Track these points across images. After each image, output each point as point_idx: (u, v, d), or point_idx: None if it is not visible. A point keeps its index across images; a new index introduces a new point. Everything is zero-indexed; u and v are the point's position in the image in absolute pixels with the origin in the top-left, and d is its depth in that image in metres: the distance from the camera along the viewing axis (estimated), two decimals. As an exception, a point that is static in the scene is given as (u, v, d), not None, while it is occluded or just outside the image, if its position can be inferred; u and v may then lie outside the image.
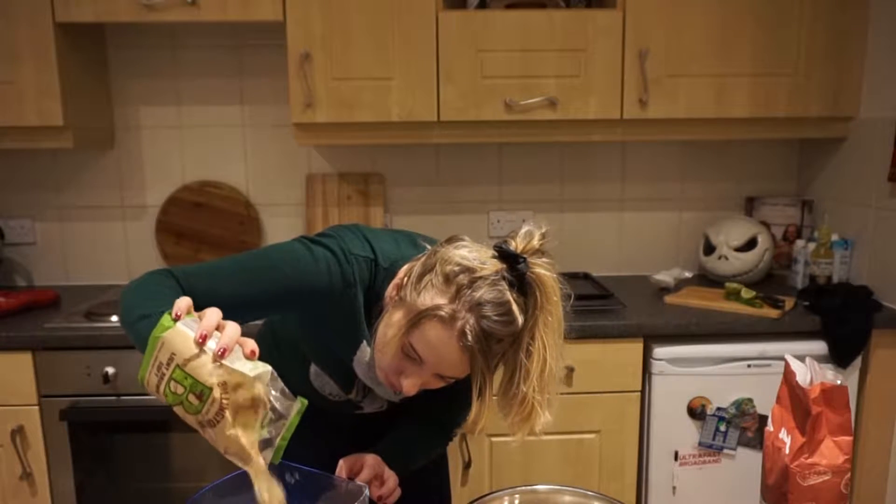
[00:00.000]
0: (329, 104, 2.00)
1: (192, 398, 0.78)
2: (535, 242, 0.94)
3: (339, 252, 1.02)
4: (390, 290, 1.00)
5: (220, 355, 0.75)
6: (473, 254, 0.92)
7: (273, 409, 0.79)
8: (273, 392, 0.79)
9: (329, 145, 2.36)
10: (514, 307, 0.90)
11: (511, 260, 0.91)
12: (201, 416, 0.79)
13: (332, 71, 1.99)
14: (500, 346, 0.91)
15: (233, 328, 0.80)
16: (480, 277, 0.90)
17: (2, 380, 1.84)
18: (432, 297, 0.91)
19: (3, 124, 1.98)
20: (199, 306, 0.85)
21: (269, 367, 0.79)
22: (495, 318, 0.89)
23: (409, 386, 0.95)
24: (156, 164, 2.38)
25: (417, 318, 0.91)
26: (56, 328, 1.85)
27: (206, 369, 0.76)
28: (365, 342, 1.09)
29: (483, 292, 0.89)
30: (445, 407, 1.17)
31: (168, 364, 0.78)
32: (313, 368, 1.17)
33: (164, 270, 1.00)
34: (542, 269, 0.92)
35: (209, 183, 2.38)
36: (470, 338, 0.89)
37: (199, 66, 2.33)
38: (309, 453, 1.02)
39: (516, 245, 0.93)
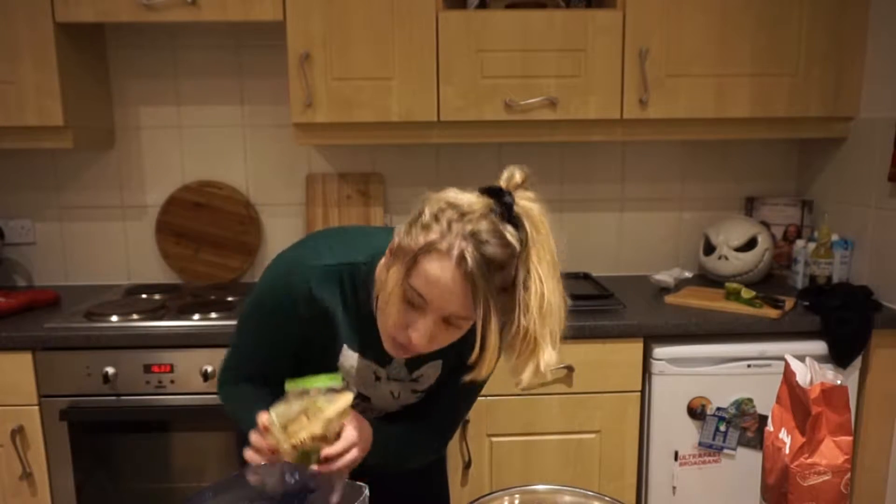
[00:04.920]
0: (329, 104, 2.00)
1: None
2: (518, 178, 0.95)
3: (286, 270, 1.08)
4: (380, 266, 1.02)
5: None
6: (459, 195, 0.94)
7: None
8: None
9: (329, 145, 2.37)
10: (508, 235, 0.91)
11: (497, 194, 0.93)
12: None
13: (332, 71, 1.99)
14: (499, 275, 0.90)
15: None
16: (469, 212, 0.91)
17: (2, 380, 1.84)
18: (425, 236, 0.92)
19: (3, 124, 1.98)
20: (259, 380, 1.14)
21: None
22: (492, 242, 0.90)
23: (418, 338, 0.95)
24: (156, 164, 2.38)
25: (414, 258, 0.92)
26: (56, 328, 1.85)
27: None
28: (346, 346, 1.11)
29: (475, 224, 0.90)
30: (444, 407, 1.18)
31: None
32: None
33: (224, 379, 1.19)
34: (529, 202, 0.94)
35: (209, 183, 2.38)
36: (470, 263, 0.89)
37: (199, 66, 2.33)
38: None
39: (500, 184, 0.95)
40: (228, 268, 2.40)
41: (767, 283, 2.29)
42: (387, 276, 0.97)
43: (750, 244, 2.26)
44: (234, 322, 1.89)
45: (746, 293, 2.00)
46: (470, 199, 0.93)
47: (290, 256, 1.10)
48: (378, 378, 1.15)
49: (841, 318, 1.89)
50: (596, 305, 2.00)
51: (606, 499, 1.02)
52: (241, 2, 1.95)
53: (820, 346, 1.90)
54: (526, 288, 0.92)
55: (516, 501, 0.97)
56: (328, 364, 1.12)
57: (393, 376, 1.15)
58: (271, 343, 1.13)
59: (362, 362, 1.12)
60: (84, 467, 1.89)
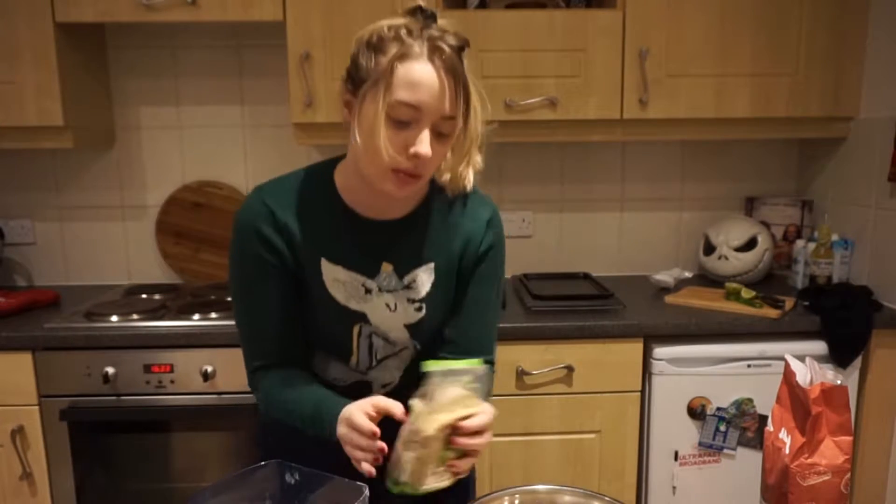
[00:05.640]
0: (329, 104, 2.00)
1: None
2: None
3: (239, 211, 1.08)
4: (344, 114, 1.03)
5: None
6: (388, 20, 0.98)
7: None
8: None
9: (329, 145, 2.36)
10: (447, 27, 0.98)
11: (419, 11, 0.98)
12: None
13: (332, 71, 1.99)
14: (462, 67, 0.97)
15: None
16: (404, 24, 0.96)
17: (2, 380, 1.84)
18: (386, 53, 0.95)
19: (3, 124, 1.98)
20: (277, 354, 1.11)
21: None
22: (450, 33, 0.96)
23: (424, 148, 0.96)
24: (156, 164, 2.38)
25: (390, 70, 0.94)
26: (56, 328, 1.86)
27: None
28: (324, 259, 1.07)
29: (424, 28, 0.96)
30: (473, 326, 1.16)
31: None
32: (316, 356, 1.15)
33: (254, 382, 1.14)
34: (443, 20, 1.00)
35: (209, 183, 2.38)
36: (447, 51, 0.95)
37: (199, 66, 2.33)
38: (331, 459, 1.00)
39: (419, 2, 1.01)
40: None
41: (767, 283, 2.29)
42: (362, 116, 0.97)
43: (750, 244, 2.26)
44: (233, 322, 1.90)
45: (746, 293, 2.00)
46: (400, 18, 0.98)
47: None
48: (368, 290, 1.10)
49: (841, 318, 1.89)
50: (596, 305, 2.00)
51: (606, 499, 1.02)
52: (241, 2, 1.95)
53: (820, 346, 1.90)
54: (469, 92, 0.99)
55: (516, 501, 0.97)
56: (318, 293, 1.08)
57: (385, 287, 1.10)
58: (264, 300, 1.08)
59: (348, 275, 1.08)
60: (84, 467, 1.90)
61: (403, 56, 0.94)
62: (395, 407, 0.97)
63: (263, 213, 1.06)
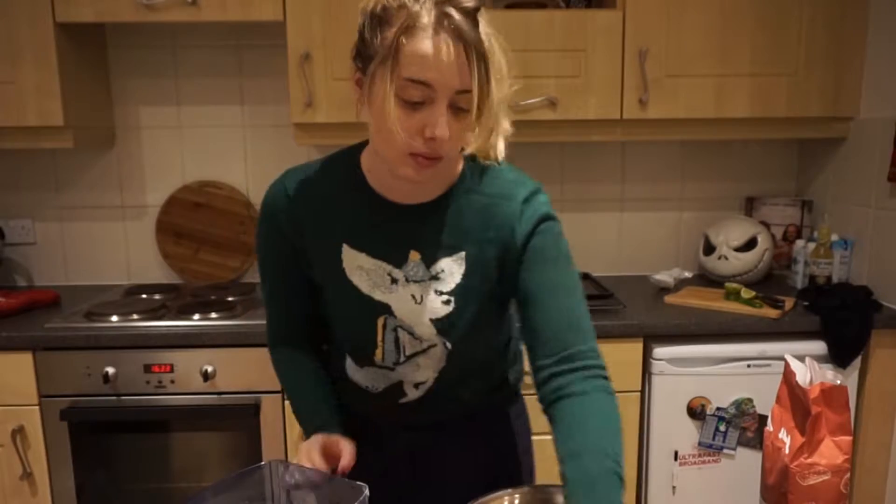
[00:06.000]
0: (329, 104, 2.00)
1: None
2: None
3: (265, 195, 1.07)
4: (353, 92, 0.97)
5: None
6: None
7: None
8: None
9: (329, 145, 2.36)
10: None
11: None
12: None
13: (331, 71, 1.99)
14: (476, 33, 0.87)
15: None
16: None
17: (2, 380, 1.84)
18: (391, 26, 0.86)
19: (3, 124, 1.98)
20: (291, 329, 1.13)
21: None
22: None
23: (441, 129, 0.88)
24: (156, 164, 2.38)
25: (394, 52, 0.86)
26: (56, 328, 1.86)
27: None
28: (346, 246, 1.02)
29: None
30: (564, 322, 0.98)
31: None
32: (346, 361, 1.11)
33: (270, 343, 1.16)
34: None
35: (209, 183, 2.38)
36: (456, 17, 0.85)
37: (199, 66, 2.33)
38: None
39: None
40: (228, 268, 2.40)
41: (767, 283, 2.29)
42: (372, 95, 0.90)
43: (750, 244, 2.26)
44: (233, 322, 1.90)
45: (746, 293, 2.00)
46: None
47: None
48: (395, 280, 1.01)
49: (841, 318, 1.89)
50: (596, 305, 2.00)
51: (606, 499, 1.02)
52: (241, 2, 1.95)
53: (820, 346, 1.90)
54: (492, 54, 0.91)
55: (516, 501, 0.97)
56: (336, 281, 1.03)
57: (411, 277, 1.01)
58: (276, 281, 1.10)
59: (373, 262, 1.01)
60: (84, 467, 1.90)
61: (409, 28, 0.85)
62: (346, 457, 1.00)
63: (282, 199, 1.04)
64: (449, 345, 1.05)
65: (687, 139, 2.41)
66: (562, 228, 1.03)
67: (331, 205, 1.03)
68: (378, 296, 1.02)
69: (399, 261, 1.01)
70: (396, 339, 1.05)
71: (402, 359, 1.06)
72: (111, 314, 1.92)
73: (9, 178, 2.36)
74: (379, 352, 1.06)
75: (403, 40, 0.85)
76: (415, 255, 1.01)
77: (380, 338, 1.05)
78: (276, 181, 1.07)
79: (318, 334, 1.16)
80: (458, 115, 0.90)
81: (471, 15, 0.87)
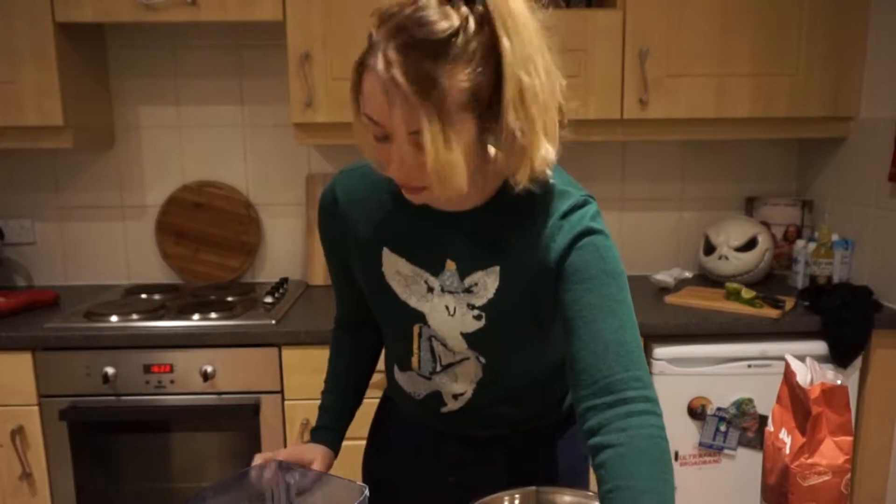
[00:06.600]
0: (329, 104, 2.00)
1: None
2: None
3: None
4: None
5: None
6: None
7: None
8: None
9: (329, 145, 2.36)
10: (435, 9, 0.76)
11: None
12: None
13: (331, 71, 1.99)
14: (430, 63, 0.75)
15: None
16: (396, 4, 0.77)
17: (2, 380, 1.84)
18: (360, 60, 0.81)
19: (3, 124, 1.98)
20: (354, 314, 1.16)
21: None
22: (424, 21, 0.75)
23: (394, 169, 0.82)
24: (156, 164, 2.38)
25: (356, 83, 0.81)
26: (56, 328, 1.85)
27: None
28: (386, 249, 0.99)
29: (398, 16, 0.76)
30: (607, 348, 0.86)
31: None
32: (395, 367, 1.12)
33: (335, 323, 1.21)
34: None
35: (209, 183, 2.38)
36: (392, 57, 0.75)
37: (199, 66, 2.33)
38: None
39: None
40: (228, 268, 2.40)
41: (768, 283, 2.29)
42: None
43: (750, 244, 2.26)
44: (233, 322, 1.90)
45: (747, 293, 2.00)
46: None
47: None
48: (431, 289, 0.98)
49: (841, 318, 1.89)
50: (596, 305, 2.00)
51: (606, 499, 1.02)
52: (241, 2, 1.95)
53: (820, 346, 1.90)
54: (497, 72, 0.78)
55: (516, 501, 0.96)
56: (376, 284, 1.02)
57: (447, 287, 0.97)
58: (334, 272, 1.13)
59: (411, 268, 0.98)
60: (84, 467, 1.89)
61: (364, 63, 0.80)
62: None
63: (329, 200, 1.04)
64: (483, 359, 1.02)
65: (687, 139, 2.41)
66: (609, 242, 0.92)
67: (375, 208, 1.01)
68: (413, 302, 1.00)
69: (436, 269, 0.97)
70: (431, 349, 1.03)
71: (439, 368, 1.04)
72: (111, 314, 1.91)
73: (8, 178, 2.36)
74: (415, 359, 1.05)
75: (363, 74, 0.80)
76: (451, 265, 0.97)
77: (415, 345, 1.04)
78: (328, 184, 1.06)
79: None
80: (416, 146, 0.80)
81: (428, 48, 0.75)
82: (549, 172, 0.92)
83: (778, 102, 2.07)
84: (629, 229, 2.49)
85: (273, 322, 1.88)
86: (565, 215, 0.92)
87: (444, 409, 1.08)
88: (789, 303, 1.99)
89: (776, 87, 2.06)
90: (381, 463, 1.20)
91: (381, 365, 1.20)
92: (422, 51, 0.75)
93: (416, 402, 1.10)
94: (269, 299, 2.03)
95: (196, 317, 1.91)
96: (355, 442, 1.24)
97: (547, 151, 0.86)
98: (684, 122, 2.09)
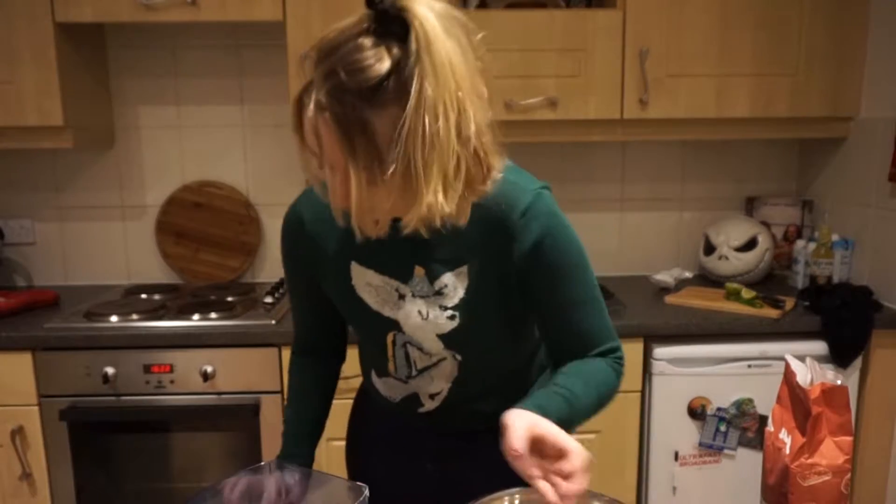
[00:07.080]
0: (329, 104, 2.00)
1: None
2: None
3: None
4: None
5: None
6: (336, 26, 0.84)
7: None
8: None
9: (329, 145, 2.36)
10: (368, 52, 0.79)
11: (373, 4, 0.81)
12: None
13: (332, 71, 1.98)
14: (360, 107, 0.77)
15: None
16: (340, 30, 0.82)
17: (2, 380, 1.84)
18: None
19: (3, 124, 1.98)
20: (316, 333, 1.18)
21: None
22: (343, 66, 0.79)
23: (332, 199, 0.85)
24: (156, 164, 2.38)
25: (296, 112, 0.86)
26: (56, 328, 1.85)
27: None
28: (354, 262, 1.02)
29: (332, 57, 0.81)
30: (574, 323, 1.01)
31: None
32: (372, 373, 1.14)
33: (292, 350, 1.22)
34: (420, 4, 0.80)
35: (209, 183, 2.38)
36: (322, 101, 0.79)
37: (199, 66, 2.33)
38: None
39: None
40: (228, 268, 2.40)
41: (768, 283, 2.29)
42: None
43: (750, 244, 2.26)
44: (233, 322, 1.90)
45: (747, 293, 2.00)
46: (343, 24, 0.84)
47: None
48: (402, 296, 1.01)
49: (841, 319, 1.89)
50: (596, 305, 2.00)
51: (606, 498, 1.02)
52: (241, 2, 1.95)
53: (820, 346, 1.90)
54: (414, 112, 0.77)
55: (516, 501, 0.96)
56: (348, 298, 1.03)
57: (417, 293, 1.00)
58: (295, 294, 1.14)
59: (381, 279, 1.01)
60: (84, 467, 1.89)
61: (300, 100, 0.84)
62: None
63: (294, 222, 1.07)
64: (459, 357, 1.05)
65: (687, 139, 2.41)
66: (567, 232, 1.01)
67: (340, 224, 1.00)
68: (387, 312, 1.02)
69: (405, 276, 1.00)
70: (406, 355, 1.06)
71: (415, 373, 1.07)
72: (111, 314, 1.91)
73: (8, 178, 2.35)
74: (391, 366, 1.08)
75: (302, 110, 0.84)
76: (419, 271, 1.00)
77: (390, 353, 1.07)
78: (293, 204, 1.10)
79: (342, 343, 1.22)
80: (371, 182, 0.81)
81: (360, 94, 0.77)
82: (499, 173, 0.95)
83: (778, 102, 2.06)
84: (629, 229, 2.49)
85: (273, 322, 1.88)
86: (524, 214, 0.98)
87: (422, 410, 1.11)
88: (789, 303, 1.99)
89: (776, 87, 2.06)
90: (361, 458, 1.22)
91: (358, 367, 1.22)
92: (354, 96, 0.78)
93: (394, 404, 1.13)
94: (269, 299, 2.03)
95: (196, 317, 1.91)
96: (344, 442, 1.26)
97: (439, 202, 0.80)
98: (684, 122, 2.09)
